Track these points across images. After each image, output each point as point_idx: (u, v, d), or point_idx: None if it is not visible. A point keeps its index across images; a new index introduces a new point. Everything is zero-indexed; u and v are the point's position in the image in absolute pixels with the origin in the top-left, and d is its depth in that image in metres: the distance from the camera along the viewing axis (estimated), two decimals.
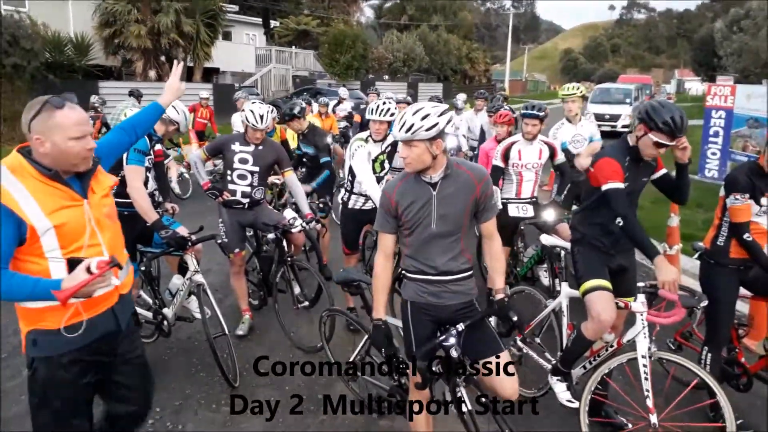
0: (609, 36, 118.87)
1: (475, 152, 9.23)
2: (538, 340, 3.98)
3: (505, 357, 2.73)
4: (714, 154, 10.66)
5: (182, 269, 4.25)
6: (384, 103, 4.71)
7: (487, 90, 28.78)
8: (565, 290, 3.70)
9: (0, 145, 15.36)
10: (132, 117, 2.77)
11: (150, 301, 4.46)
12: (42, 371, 2.30)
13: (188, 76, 23.68)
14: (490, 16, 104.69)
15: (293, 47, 33.93)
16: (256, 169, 4.64)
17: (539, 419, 3.67)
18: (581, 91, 5.68)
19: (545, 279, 5.36)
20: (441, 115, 2.56)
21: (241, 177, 4.64)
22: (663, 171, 3.38)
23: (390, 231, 2.76)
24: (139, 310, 4.29)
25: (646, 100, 28.29)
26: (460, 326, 2.66)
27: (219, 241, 4.62)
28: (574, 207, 5.11)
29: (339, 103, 13.97)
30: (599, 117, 22.21)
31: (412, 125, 2.52)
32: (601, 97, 23.65)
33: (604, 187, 3.16)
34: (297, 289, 4.75)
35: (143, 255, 4.18)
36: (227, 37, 28.79)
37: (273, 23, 37.05)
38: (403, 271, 2.84)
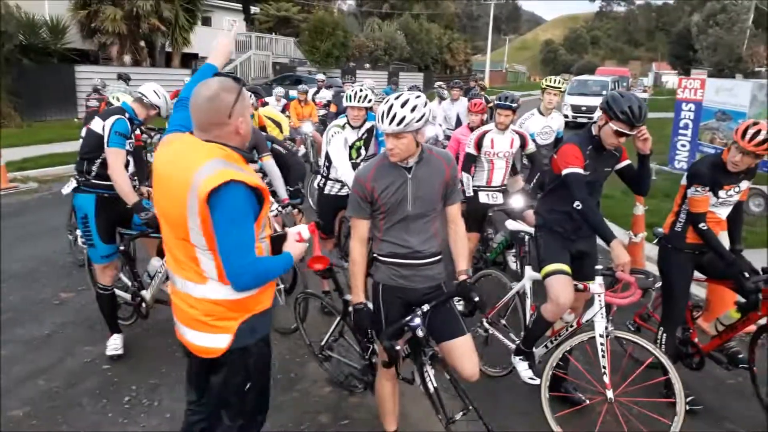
0: (589, 28, 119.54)
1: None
2: (503, 321, 4.14)
3: (466, 340, 2.87)
4: (684, 145, 10.95)
5: (161, 252, 4.33)
6: (361, 89, 4.81)
7: (465, 80, 28.93)
8: (529, 273, 3.86)
9: None
10: (191, 85, 2.48)
11: (129, 283, 4.53)
12: (256, 353, 2.27)
13: (167, 61, 23.45)
14: (472, 6, 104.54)
15: (273, 34, 33.66)
16: None
17: (504, 396, 3.85)
18: (564, 85, 5.83)
19: (513, 264, 5.54)
20: (425, 105, 2.67)
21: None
22: (626, 162, 3.51)
23: (364, 216, 2.85)
24: (117, 292, 4.39)
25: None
26: (426, 307, 2.80)
27: None
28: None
29: (318, 90, 14.00)
30: (576, 108, 22.55)
31: (404, 117, 2.59)
32: (578, 89, 23.97)
33: (564, 172, 3.32)
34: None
35: (122, 236, 4.25)
36: (207, 22, 28.47)
37: (253, 9, 36.69)
38: (375, 254, 2.96)
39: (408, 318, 2.79)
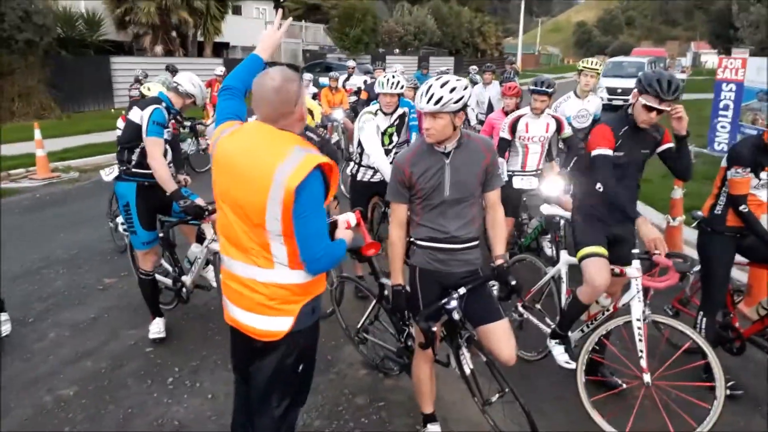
0: (624, 8, 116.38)
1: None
2: (538, 306, 4.13)
3: (503, 324, 2.88)
4: (724, 127, 10.65)
5: (200, 239, 4.43)
6: (393, 76, 4.82)
7: (497, 64, 28.48)
8: (564, 258, 3.84)
9: (14, 120, 15.59)
10: (236, 74, 2.56)
11: (170, 268, 4.65)
12: (310, 335, 2.36)
13: (199, 51, 23.74)
14: None
15: (303, 21, 33.72)
16: None
17: (539, 380, 3.85)
18: (602, 68, 5.71)
19: (549, 249, 5.49)
20: (465, 88, 2.67)
21: None
22: (668, 145, 3.40)
23: (403, 201, 2.88)
24: (158, 277, 4.51)
25: None
26: (462, 290, 2.82)
27: None
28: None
29: (349, 77, 14.00)
30: (612, 91, 22.05)
31: (441, 97, 2.60)
32: (613, 71, 23.42)
33: (592, 153, 3.30)
34: None
35: (162, 224, 4.36)
36: (237, 11, 28.72)
37: None
38: (413, 239, 2.98)
39: (444, 300, 2.81)
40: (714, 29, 45.44)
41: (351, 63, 14.88)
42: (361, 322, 3.86)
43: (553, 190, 4.90)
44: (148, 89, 5.86)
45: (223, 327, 4.51)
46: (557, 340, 3.62)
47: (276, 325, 2.23)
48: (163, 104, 4.14)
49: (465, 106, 2.71)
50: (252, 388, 2.42)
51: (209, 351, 4.25)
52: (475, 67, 13.60)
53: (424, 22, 36.53)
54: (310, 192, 2.06)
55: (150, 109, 4.03)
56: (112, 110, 18.06)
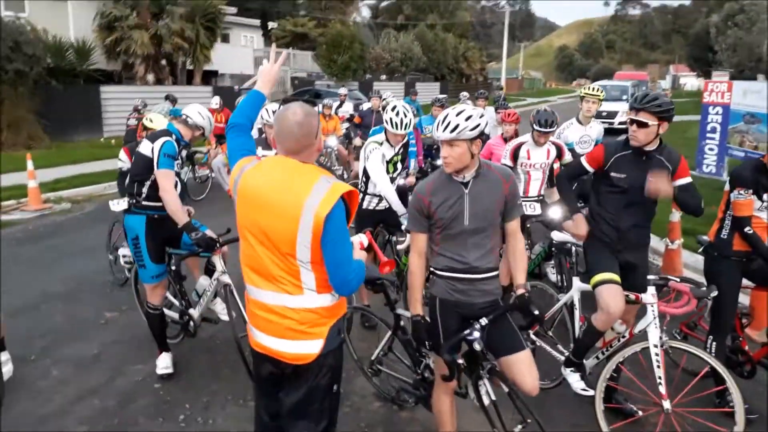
0: (604, 32, 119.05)
1: None
2: (550, 333, 4.14)
3: (526, 354, 2.88)
4: (711, 149, 10.84)
5: (208, 271, 4.40)
6: (405, 114, 4.74)
7: (485, 88, 28.84)
8: (577, 284, 3.86)
9: (2, 151, 15.46)
10: (241, 111, 2.67)
11: (175, 301, 4.61)
12: (339, 355, 2.46)
13: (188, 79, 23.80)
14: (485, 14, 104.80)
15: (291, 49, 34.01)
16: None
17: (554, 408, 3.84)
18: (603, 94, 5.80)
19: (552, 275, 5.52)
20: (481, 116, 2.73)
21: None
22: (684, 180, 3.39)
23: (422, 230, 2.91)
24: (165, 311, 4.46)
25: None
26: (484, 320, 2.82)
27: None
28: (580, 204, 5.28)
29: (341, 104, 14.11)
30: (597, 114, 22.36)
31: (457, 125, 2.66)
32: None
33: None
34: None
35: (171, 256, 4.32)
36: (225, 39, 28.87)
37: (270, 25, 37.15)
38: (432, 269, 2.99)
39: (467, 332, 2.81)
40: (693, 52, 46.60)
41: (343, 90, 15.00)
42: (375, 354, 3.83)
43: (558, 214, 4.95)
44: (150, 120, 5.86)
45: (231, 360, 4.50)
46: (572, 368, 3.62)
47: (307, 348, 2.32)
48: (173, 136, 4.15)
49: (482, 134, 2.75)
50: (287, 415, 2.44)
51: (219, 386, 4.19)
52: (466, 93, 13.74)
53: (410, 49, 37.01)
54: (337, 219, 2.18)
55: (161, 141, 4.03)
56: (102, 139, 18.00)
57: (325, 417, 2.43)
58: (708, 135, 10.82)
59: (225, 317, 4.47)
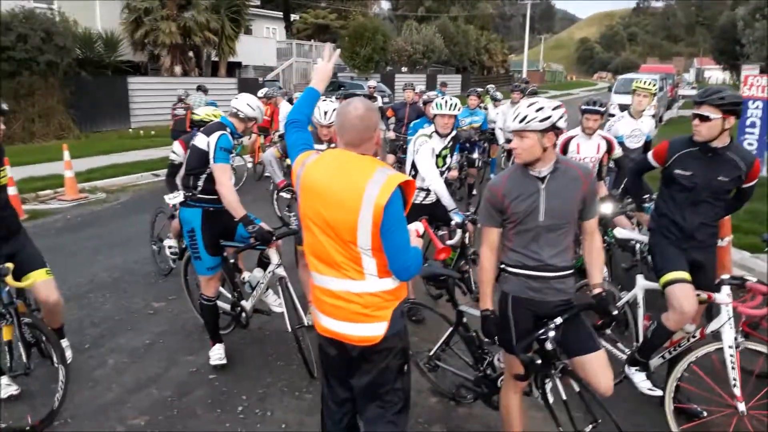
0: (626, 24, 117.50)
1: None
2: (608, 331, 4.06)
3: (601, 354, 2.82)
4: (751, 144, 10.58)
5: (262, 263, 4.39)
6: (451, 97, 4.83)
7: (503, 81, 28.54)
8: (641, 282, 3.78)
9: (34, 141, 15.66)
10: (298, 108, 2.77)
11: (227, 293, 4.62)
12: (405, 336, 2.52)
13: (213, 71, 23.90)
14: (505, 6, 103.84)
15: (312, 41, 34.00)
16: None
17: (615, 408, 3.76)
18: (655, 88, 5.68)
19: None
20: (555, 108, 2.68)
21: None
22: (752, 183, 3.39)
23: (495, 225, 2.89)
24: (218, 302, 4.47)
25: (669, 90, 27.93)
26: (558, 320, 2.77)
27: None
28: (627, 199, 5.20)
29: (369, 97, 14.06)
30: (623, 107, 22.02)
31: (526, 116, 2.65)
32: (625, 87, 23.39)
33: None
34: None
35: (226, 249, 4.32)
36: (248, 31, 28.91)
37: (292, 17, 37.15)
38: (504, 265, 2.95)
39: (542, 331, 2.76)
40: (719, 45, 45.48)
41: (372, 83, 14.93)
42: (433, 350, 3.80)
43: (609, 210, 4.87)
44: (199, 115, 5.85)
45: (283, 352, 4.52)
46: (638, 367, 3.56)
47: (373, 330, 2.39)
48: (228, 130, 4.14)
49: (554, 126, 2.69)
50: (360, 398, 2.53)
51: (273, 378, 4.20)
52: (492, 86, 13.61)
53: (432, 41, 36.80)
54: (395, 208, 2.26)
55: (216, 135, 4.03)
56: (130, 130, 18.16)
57: (399, 399, 2.50)
58: (747, 130, 10.56)
59: (277, 309, 4.47)
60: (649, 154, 3.59)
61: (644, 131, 5.77)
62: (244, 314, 4.49)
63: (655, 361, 3.60)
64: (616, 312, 2.73)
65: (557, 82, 63.11)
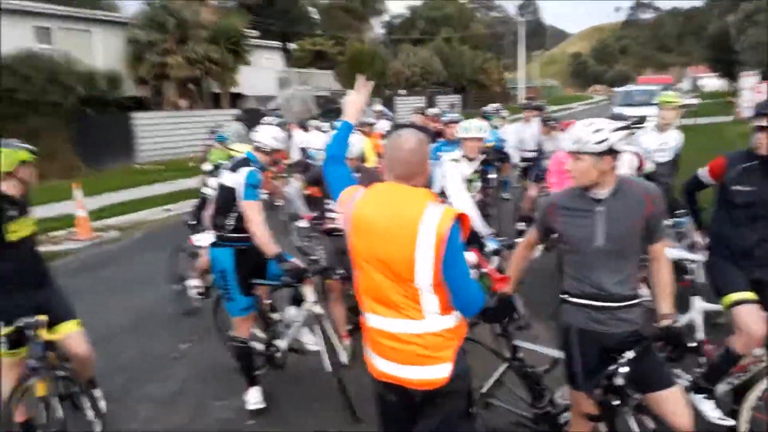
0: (617, 37, 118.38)
1: (528, 164, 9.20)
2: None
3: (677, 390, 2.66)
4: None
5: (295, 301, 4.24)
6: (478, 119, 4.73)
7: (501, 99, 28.52)
8: (698, 304, 3.61)
9: (42, 182, 15.56)
10: (336, 142, 2.70)
11: (260, 333, 4.45)
12: (469, 377, 2.41)
13: (215, 102, 23.94)
14: (496, 25, 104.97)
15: (310, 68, 34.19)
16: None
17: None
18: (681, 101, 5.55)
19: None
20: (614, 130, 2.55)
21: None
22: None
23: (538, 234, 2.96)
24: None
25: None
26: (630, 354, 2.59)
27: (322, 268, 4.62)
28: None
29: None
30: (622, 119, 22.05)
31: (581, 137, 2.55)
32: (625, 100, 23.42)
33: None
34: None
35: (259, 287, 4.17)
36: (247, 62, 29.09)
37: (290, 45, 37.41)
38: (564, 294, 2.80)
39: (613, 367, 2.60)
40: (712, 53, 45.80)
41: (378, 107, 14.87)
42: (486, 387, 3.61)
43: None
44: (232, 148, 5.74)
45: (320, 392, 4.32)
46: (704, 395, 3.38)
47: (436, 373, 2.26)
48: (254, 165, 4.02)
49: (611, 150, 2.56)
50: None
51: (314, 420, 4.01)
52: (496, 105, 13.55)
53: (429, 63, 36.98)
54: (455, 239, 2.17)
55: (243, 172, 3.90)
56: (136, 166, 18.11)
57: None
58: None
59: (313, 348, 4.30)
60: (702, 171, 3.46)
61: (671, 145, 5.61)
62: (278, 354, 4.32)
63: (721, 387, 3.41)
64: (694, 344, 2.56)
65: (554, 97, 63.35)
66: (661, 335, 2.66)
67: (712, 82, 63.15)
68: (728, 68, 42.93)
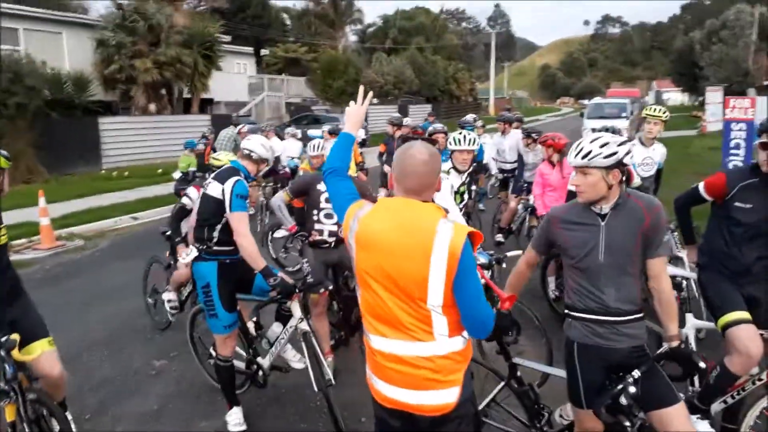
0: (585, 51, 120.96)
1: (506, 175, 9.21)
2: None
3: (682, 408, 2.61)
4: (736, 165, 10.73)
5: (280, 317, 4.08)
6: (469, 132, 4.69)
7: (472, 109, 28.66)
8: (691, 321, 3.61)
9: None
10: (336, 154, 2.56)
11: (242, 351, 4.28)
12: (474, 401, 2.37)
13: (185, 108, 23.54)
14: (466, 36, 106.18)
15: (283, 74, 33.95)
16: None
17: None
18: (666, 116, 5.57)
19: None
20: (621, 144, 2.52)
21: (328, 216, 4.54)
22: None
23: (540, 251, 2.92)
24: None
25: (637, 114, 28.57)
26: (636, 373, 2.56)
27: (306, 281, 4.49)
28: None
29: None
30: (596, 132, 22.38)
31: (590, 152, 2.52)
32: (596, 112, 23.79)
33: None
34: None
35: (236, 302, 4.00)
36: (218, 67, 28.72)
37: (263, 51, 37.13)
38: (567, 309, 2.76)
39: (620, 386, 2.54)
40: (677, 68, 47.04)
41: None
42: (482, 405, 3.52)
43: None
44: (218, 159, 5.54)
45: (304, 412, 4.18)
46: (699, 415, 3.35)
47: (445, 397, 2.18)
48: (242, 174, 3.87)
49: (619, 163, 2.53)
50: None
51: None
52: (473, 115, 13.61)
53: (402, 72, 37.07)
54: (468, 256, 2.09)
55: (231, 182, 3.74)
56: (102, 171, 17.62)
57: None
58: (732, 152, 10.70)
59: (297, 365, 4.16)
60: (700, 187, 3.43)
61: (655, 159, 5.66)
62: (261, 372, 4.16)
63: (715, 406, 3.39)
64: (703, 365, 2.52)
65: (524, 108, 64.21)
66: (670, 355, 2.62)
67: (675, 96, 65.06)
68: (692, 83, 44.15)
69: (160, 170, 16.78)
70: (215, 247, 3.82)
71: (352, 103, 2.69)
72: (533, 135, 8.30)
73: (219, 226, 3.80)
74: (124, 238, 10.40)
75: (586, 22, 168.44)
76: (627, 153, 2.56)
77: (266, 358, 4.12)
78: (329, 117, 23.76)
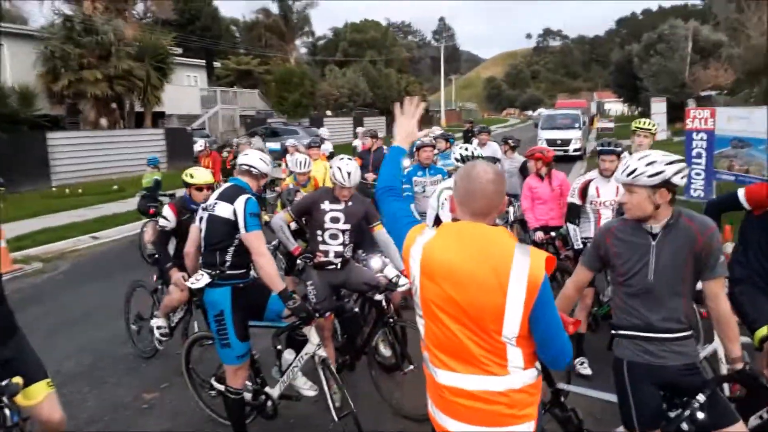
0: (528, 63, 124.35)
1: None
2: None
3: (741, 427, 2.55)
4: (698, 174, 11.11)
5: (292, 343, 3.85)
6: (474, 150, 4.61)
7: (427, 121, 28.74)
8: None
9: None
10: (389, 172, 2.47)
11: (247, 382, 4.01)
12: None
13: (138, 122, 22.75)
14: (413, 49, 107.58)
15: (235, 87, 33.36)
16: (348, 226, 4.35)
17: None
18: (655, 128, 5.61)
19: None
20: (670, 163, 2.46)
21: (333, 236, 4.34)
22: None
23: (592, 268, 2.82)
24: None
25: (588, 123, 29.37)
26: (702, 397, 2.48)
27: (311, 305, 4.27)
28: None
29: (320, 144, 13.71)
30: (551, 142, 22.89)
31: (635, 170, 2.49)
32: (549, 123, 24.39)
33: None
34: (388, 353, 4.47)
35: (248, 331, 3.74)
36: (169, 80, 27.98)
37: (214, 64, 36.44)
38: (615, 326, 2.70)
39: (687, 413, 2.46)
40: (617, 80, 48.79)
41: (324, 131, 14.67)
42: None
43: None
44: (191, 176, 5.18)
45: None
46: None
47: None
48: (248, 192, 3.66)
49: (666, 182, 2.47)
50: None
51: None
52: (437, 127, 13.63)
53: (357, 84, 37.07)
54: (548, 285, 1.99)
55: (242, 200, 3.52)
56: (53, 189, 16.74)
57: None
58: (694, 160, 11.09)
59: (308, 393, 3.92)
60: (740, 194, 3.35)
61: None
62: (270, 403, 3.91)
63: (751, 422, 3.36)
64: None
65: (475, 120, 65.34)
66: (735, 378, 2.57)
67: (616, 107, 67.60)
68: (632, 94, 45.87)
69: (115, 186, 16.08)
70: (228, 271, 3.57)
71: (398, 112, 2.52)
72: (510, 142, 8.43)
73: (232, 249, 3.57)
74: (86, 259, 9.84)
75: (528, 36, 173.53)
76: (677, 173, 2.50)
77: (276, 387, 3.87)
78: (287, 129, 23.44)
